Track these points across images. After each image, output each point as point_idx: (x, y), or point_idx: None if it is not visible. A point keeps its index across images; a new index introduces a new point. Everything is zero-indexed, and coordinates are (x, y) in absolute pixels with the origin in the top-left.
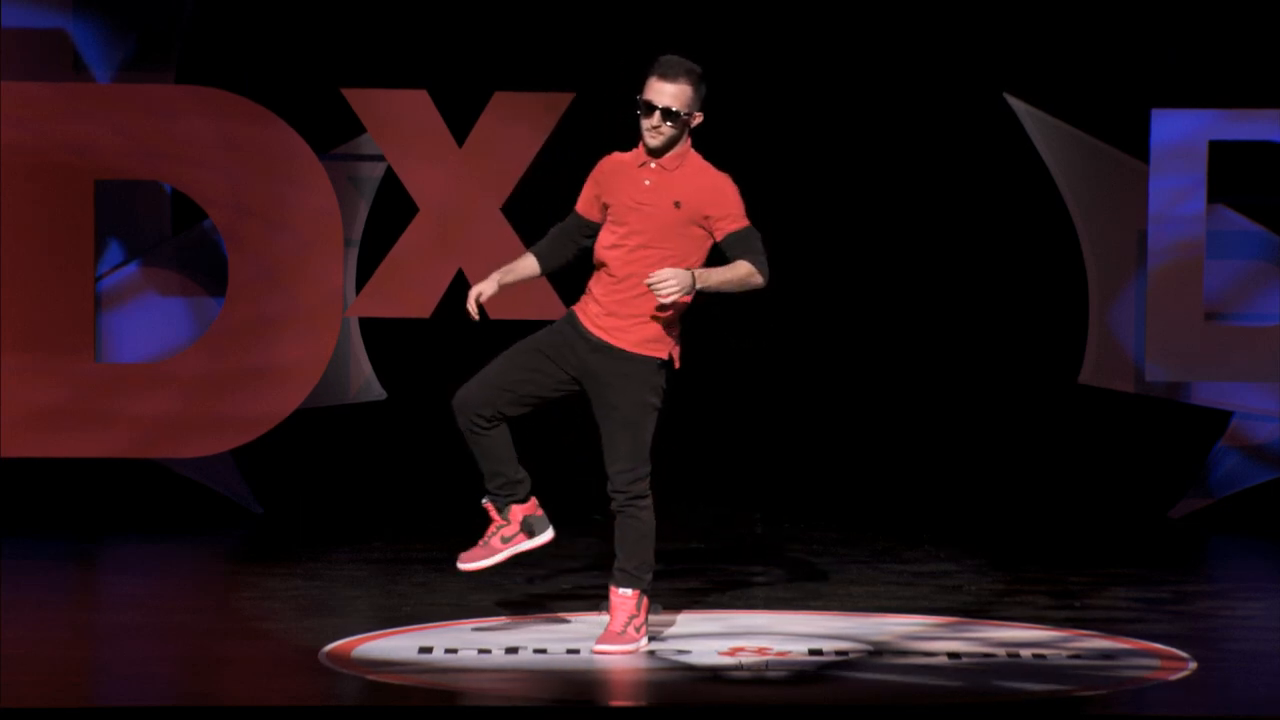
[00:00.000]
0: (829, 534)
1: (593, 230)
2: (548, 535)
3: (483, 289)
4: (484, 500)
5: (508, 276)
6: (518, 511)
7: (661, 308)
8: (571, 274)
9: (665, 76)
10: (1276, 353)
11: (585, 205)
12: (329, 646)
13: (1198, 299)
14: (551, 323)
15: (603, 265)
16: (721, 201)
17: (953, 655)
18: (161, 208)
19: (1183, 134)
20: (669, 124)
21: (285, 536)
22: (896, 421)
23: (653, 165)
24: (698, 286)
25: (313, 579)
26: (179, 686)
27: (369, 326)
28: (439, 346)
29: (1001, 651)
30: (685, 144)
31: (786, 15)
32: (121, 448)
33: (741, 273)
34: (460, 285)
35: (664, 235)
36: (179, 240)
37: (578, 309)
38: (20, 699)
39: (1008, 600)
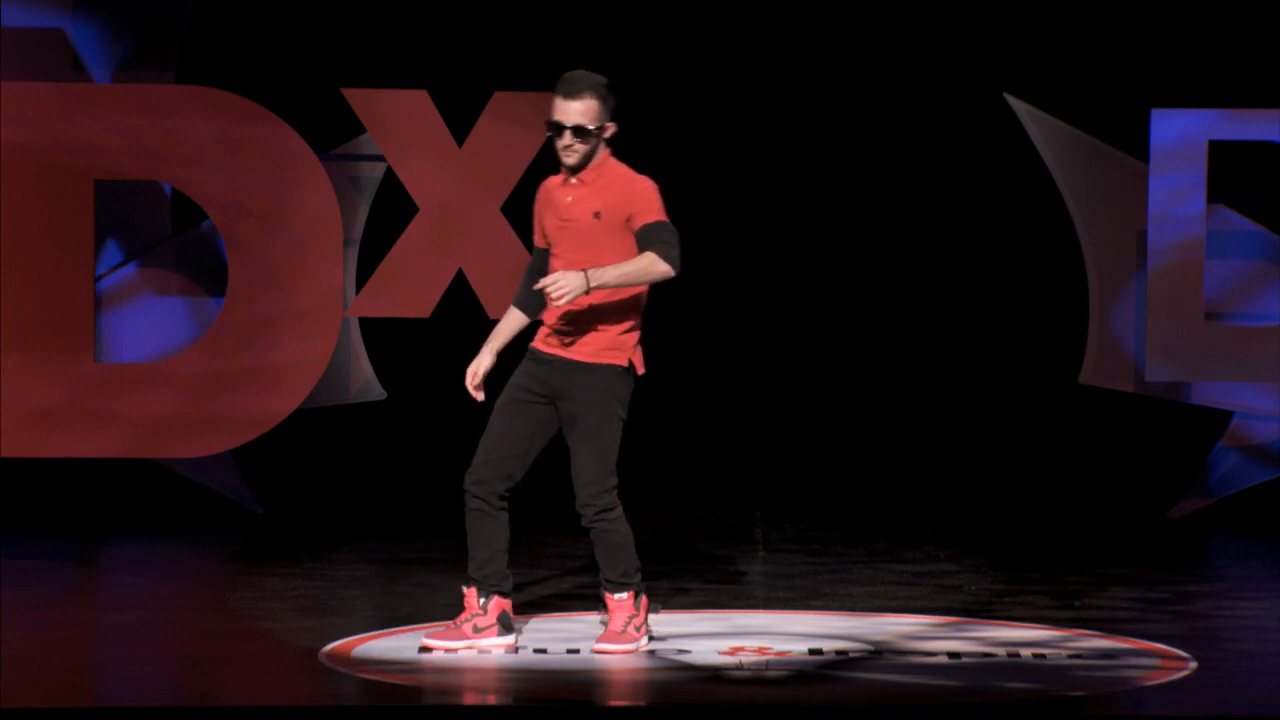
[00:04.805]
0: (829, 534)
1: None
2: (512, 639)
3: (479, 366)
4: (465, 586)
5: (497, 341)
6: (497, 605)
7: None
8: None
9: (569, 95)
10: (1276, 353)
11: (538, 237)
12: (329, 646)
13: (1198, 299)
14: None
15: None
16: (634, 199)
17: (953, 655)
18: (161, 208)
19: (1183, 134)
20: (580, 141)
21: (285, 536)
22: (897, 421)
23: (573, 181)
24: (593, 285)
25: (313, 579)
26: (179, 686)
27: (369, 326)
28: (439, 346)
29: (1001, 651)
30: (603, 155)
31: (787, 15)
32: (121, 448)
33: (642, 263)
34: (460, 285)
35: (592, 248)
36: (179, 240)
37: (534, 342)
38: (20, 699)
39: (1008, 600)
